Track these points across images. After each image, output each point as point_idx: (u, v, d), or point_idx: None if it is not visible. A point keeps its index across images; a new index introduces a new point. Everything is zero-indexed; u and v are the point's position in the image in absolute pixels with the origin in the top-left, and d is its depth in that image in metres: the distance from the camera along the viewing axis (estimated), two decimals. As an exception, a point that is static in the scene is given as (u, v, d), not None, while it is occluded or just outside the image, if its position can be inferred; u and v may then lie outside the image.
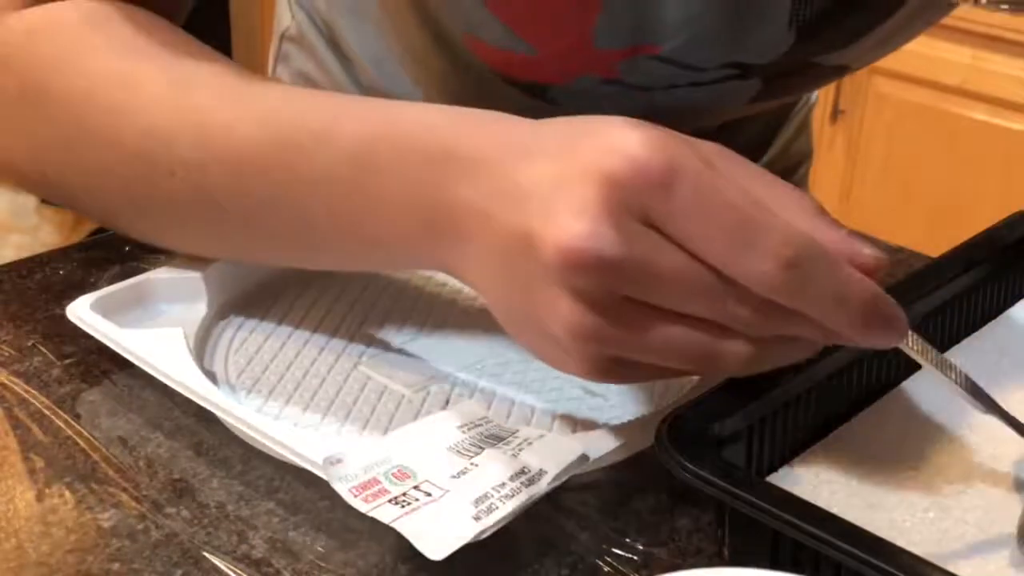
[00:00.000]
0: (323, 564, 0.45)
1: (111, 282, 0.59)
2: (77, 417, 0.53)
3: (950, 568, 0.39)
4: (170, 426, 0.52)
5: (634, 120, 0.46)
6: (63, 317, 0.56)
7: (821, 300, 0.43)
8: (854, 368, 0.52)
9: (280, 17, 0.85)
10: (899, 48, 0.71)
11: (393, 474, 0.45)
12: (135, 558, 0.45)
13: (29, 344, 0.57)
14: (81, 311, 0.55)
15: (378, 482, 0.44)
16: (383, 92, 0.75)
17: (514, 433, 0.48)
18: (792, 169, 0.90)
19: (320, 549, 0.46)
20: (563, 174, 0.45)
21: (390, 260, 0.56)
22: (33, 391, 0.54)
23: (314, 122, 0.52)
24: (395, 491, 0.44)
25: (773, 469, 0.49)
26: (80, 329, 0.55)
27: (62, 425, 0.52)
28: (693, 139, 0.45)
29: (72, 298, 0.56)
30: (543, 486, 0.45)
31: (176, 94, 0.55)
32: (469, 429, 0.48)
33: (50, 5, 0.59)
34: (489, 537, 0.43)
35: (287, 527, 0.47)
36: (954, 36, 1.90)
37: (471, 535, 0.43)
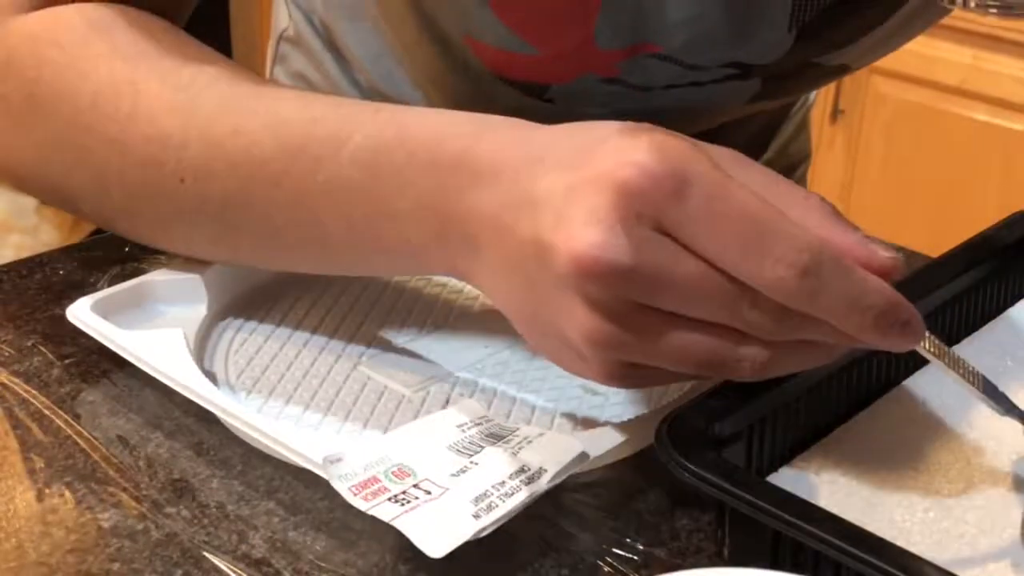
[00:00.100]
0: (323, 564, 0.45)
1: (111, 282, 0.59)
2: (77, 417, 0.53)
3: (950, 568, 0.39)
4: (170, 426, 0.52)
5: (646, 125, 0.46)
6: (63, 317, 0.56)
7: (836, 305, 0.43)
8: (854, 368, 0.52)
9: (278, 18, 0.85)
10: (899, 48, 0.71)
11: (393, 472, 0.45)
12: (135, 558, 0.45)
13: (29, 344, 0.57)
14: (81, 312, 0.55)
15: (378, 480, 0.44)
16: (381, 93, 0.75)
17: (514, 431, 0.48)
18: (791, 169, 0.90)
19: (320, 549, 0.46)
20: (576, 183, 0.45)
21: (402, 266, 0.56)
22: (33, 391, 0.54)
23: (324, 129, 0.52)
24: (395, 489, 0.44)
25: (773, 469, 0.49)
26: (80, 329, 0.55)
27: (62, 425, 0.52)
28: (705, 144, 0.45)
29: (72, 298, 0.56)
30: (543, 484, 0.45)
31: (183, 100, 0.55)
32: (469, 427, 0.48)
33: (53, 9, 0.59)
34: (489, 536, 0.43)
35: (287, 527, 0.47)
36: (954, 36, 1.90)
37: (471, 533, 0.43)
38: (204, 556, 0.45)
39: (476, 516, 0.43)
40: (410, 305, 0.62)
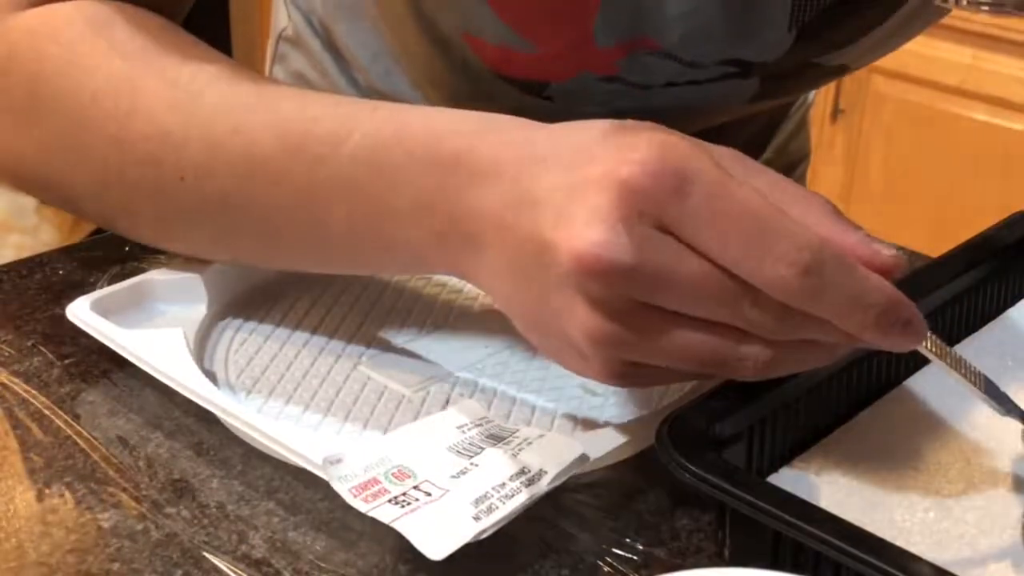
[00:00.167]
0: (323, 564, 0.45)
1: (111, 282, 0.59)
2: (77, 417, 0.53)
3: (950, 568, 0.39)
4: (170, 426, 0.52)
5: (647, 124, 0.46)
6: (63, 317, 0.56)
7: (839, 304, 0.43)
8: (854, 368, 0.52)
9: (277, 18, 0.85)
10: (898, 48, 0.71)
11: (393, 474, 0.45)
12: (135, 558, 0.45)
13: (29, 344, 0.57)
14: (81, 311, 0.55)
15: (378, 482, 0.44)
16: (380, 92, 0.75)
17: (514, 433, 0.48)
18: (791, 168, 0.90)
19: (320, 549, 0.46)
20: (577, 182, 0.45)
21: (402, 265, 0.56)
22: (33, 391, 0.54)
23: (324, 127, 0.52)
24: (395, 491, 0.44)
25: (773, 469, 0.49)
26: (80, 329, 0.55)
27: (62, 425, 0.52)
28: (707, 144, 0.45)
29: (72, 298, 0.56)
30: (543, 486, 0.45)
31: (183, 98, 0.55)
32: (469, 429, 0.48)
33: (51, 6, 0.58)
34: (489, 537, 0.43)
35: (287, 527, 0.47)
36: (954, 36, 1.90)
37: (471, 535, 0.43)
38: (204, 556, 0.45)
39: (476, 518, 0.43)
40: (410, 305, 0.62)
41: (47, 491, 0.48)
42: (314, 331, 0.59)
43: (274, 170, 0.52)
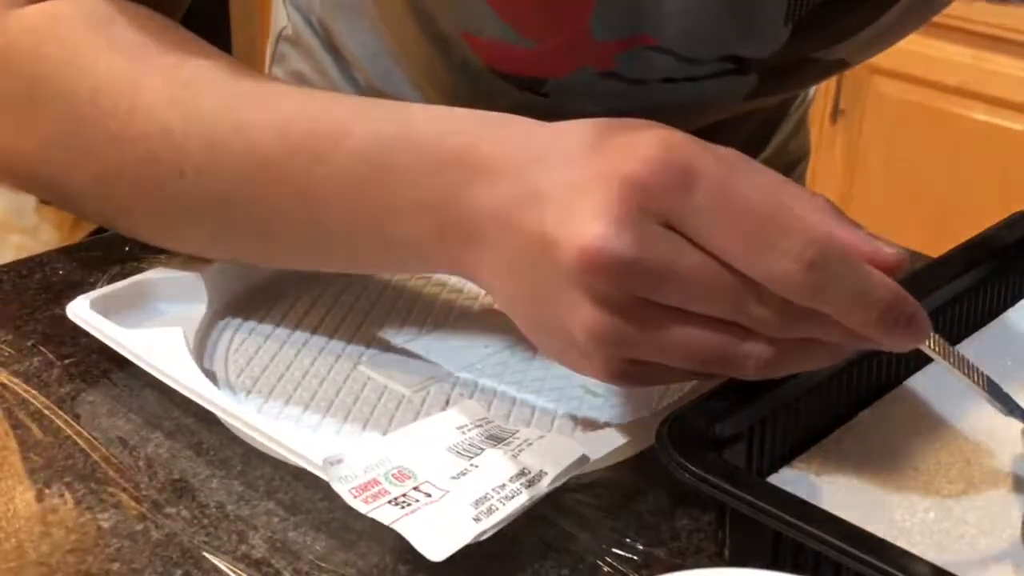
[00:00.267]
0: (323, 564, 0.45)
1: (111, 282, 0.59)
2: (77, 417, 0.53)
3: (951, 569, 0.39)
4: (170, 426, 0.52)
5: (650, 122, 0.46)
6: (63, 317, 0.56)
7: (843, 300, 0.43)
8: (854, 368, 0.52)
9: (276, 18, 0.85)
10: (897, 43, 0.71)
11: (393, 475, 0.45)
12: (135, 558, 0.45)
13: (29, 344, 0.57)
14: (81, 310, 0.55)
15: (378, 483, 0.44)
16: (380, 91, 0.75)
17: (514, 434, 0.48)
18: (790, 167, 0.90)
19: (320, 549, 0.46)
20: (582, 178, 0.45)
21: (403, 263, 0.56)
22: (33, 391, 0.54)
23: (327, 124, 0.52)
24: (395, 492, 0.44)
25: (774, 470, 0.49)
26: (80, 329, 0.55)
27: (62, 425, 0.52)
28: (709, 143, 0.46)
29: (72, 298, 0.56)
30: (543, 487, 0.45)
31: (184, 96, 0.55)
32: (469, 430, 0.48)
33: (51, 3, 0.58)
34: (489, 537, 0.43)
35: (287, 527, 0.47)
36: (955, 36, 1.90)
37: (471, 536, 0.43)
38: (204, 556, 0.45)
39: (476, 519, 0.43)
40: (410, 305, 0.62)
41: (47, 491, 0.48)
42: (314, 331, 0.59)
43: (274, 168, 0.52)
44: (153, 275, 0.59)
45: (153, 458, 0.50)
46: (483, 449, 0.47)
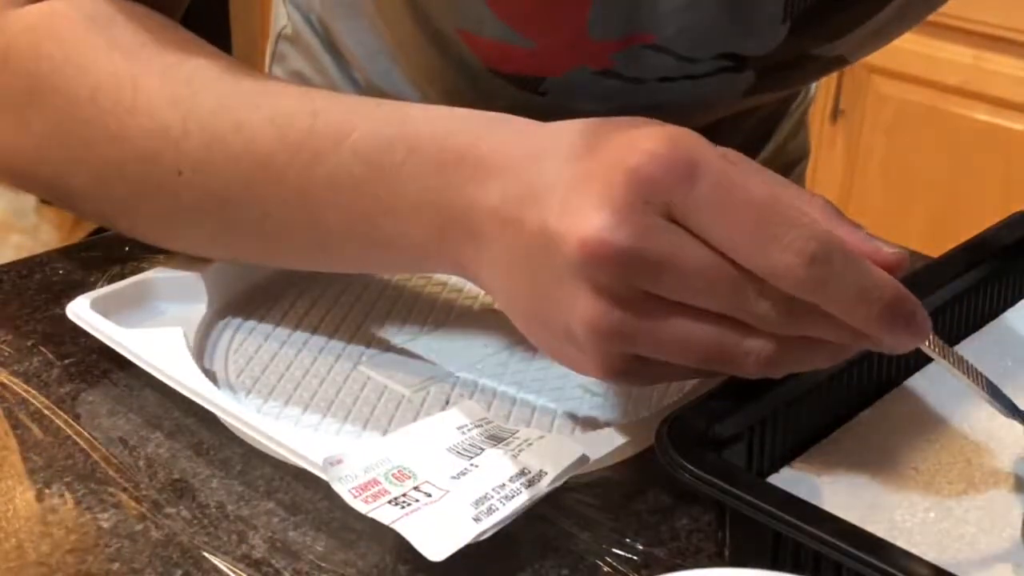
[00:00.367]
0: (323, 564, 0.45)
1: (111, 282, 0.59)
2: (77, 417, 0.53)
3: (951, 569, 0.39)
4: (170, 426, 0.52)
5: (650, 119, 0.46)
6: (63, 317, 0.56)
7: (844, 295, 0.43)
8: (854, 368, 0.52)
9: (276, 17, 0.85)
10: (896, 39, 0.71)
11: (393, 475, 0.45)
12: (135, 558, 0.45)
13: (29, 344, 0.57)
14: (81, 310, 0.55)
15: (378, 483, 0.44)
16: (379, 90, 0.75)
17: (514, 434, 0.48)
18: (790, 167, 0.90)
19: (320, 549, 0.46)
20: (584, 172, 0.45)
21: (402, 263, 0.56)
22: (33, 391, 0.54)
23: (326, 123, 0.52)
24: (395, 492, 0.44)
25: (774, 470, 0.49)
26: (80, 329, 0.55)
27: (62, 425, 0.52)
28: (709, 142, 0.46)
29: (72, 298, 0.56)
30: (543, 487, 0.45)
31: (184, 95, 0.55)
32: (469, 430, 0.48)
33: (51, 2, 0.58)
34: (489, 537, 0.43)
35: (287, 527, 0.47)
36: (955, 36, 1.90)
37: (471, 536, 0.43)
38: (204, 556, 0.45)
39: (476, 519, 0.43)
40: (410, 305, 0.62)
41: (47, 491, 0.48)
42: (314, 331, 0.59)
43: (275, 166, 0.52)
44: (153, 275, 0.59)
45: (153, 458, 0.50)
46: (483, 449, 0.47)
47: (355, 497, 0.44)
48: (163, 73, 0.56)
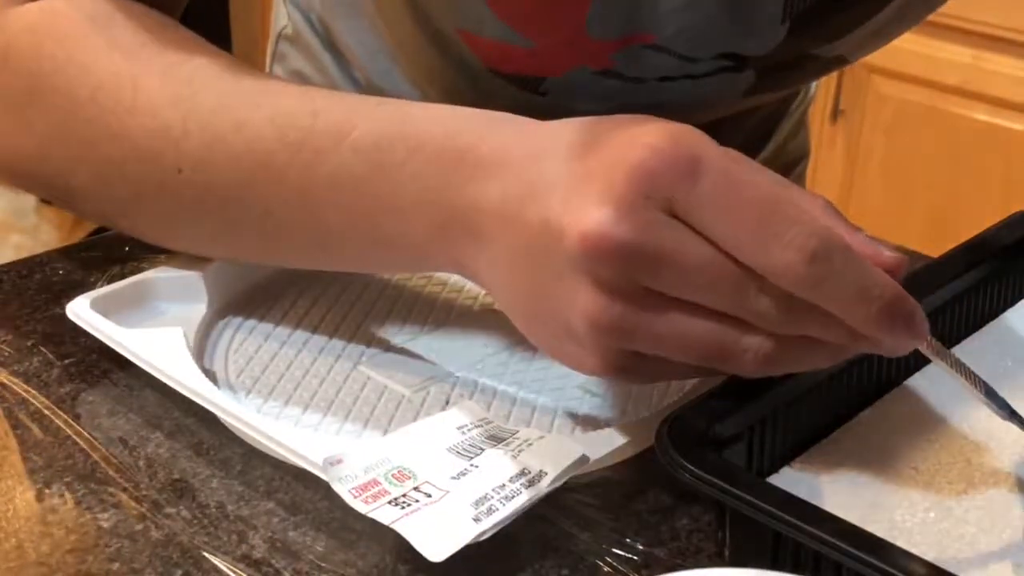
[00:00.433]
0: (323, 564, 0.45)
1: (111, 282, 0.59)
2: (77, 417, 0.53)
3: (951, 569, 0.39)
4: (170, 426, 0.52)
5: (652, 117, 0.46)
6: (63, 317, 0.56)
7: (844, 294, 0.43)
8: (854, 368, 0.52)
9: (277, 17, 0.85)
10: (896, 38, 0.71)
11: (393, 475, 0.45)
12: (135, 558, 0.45)
13: (29, 344, 0.57)
14: (81, 310, 0.55)
15: (378, 483, 0.44)
16: (379, 89, 0.75)
17: (514, 434, 0.48)
18: (790, 167, 0.90)
19: (320, 549, 0.46)
20: (586, 168, 0.45)
21: (402, 261, 0.56)
22: (33, 391, 0.54)
23: (328, 123, 0.52)
24: (395, 492, 0.44)
25: (774, 470, 0.49)
26: (80, 329, 0.55)
27: (62, 425, 0.52)
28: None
29: (72, 298, 0.56)
30: (543, 487, 0.45)
31: (184, 94, 0.55)
32: (469, 430, 0.48)
33: (51, 1, 0.58)
34: (489, 537, 0.43)
35: (287, 527, 0.47)
36: (954, 36, 1.90)
37: (471, 536, 0.43)
38: (204, 556, 0.45)
39: (476, 519, 0.43)
40: (410, 305, 0.62)
41: (47, 491, 0.48)
42: (314, 331, 0.59)
43: (275, 165, 0.52)
44: (153, 275, 0.59)
45: (153, 458, 0.50)
46: (483, 449, 0.47)
47: (355, 497, 0.44)
48: (164, 72, 0.56)
